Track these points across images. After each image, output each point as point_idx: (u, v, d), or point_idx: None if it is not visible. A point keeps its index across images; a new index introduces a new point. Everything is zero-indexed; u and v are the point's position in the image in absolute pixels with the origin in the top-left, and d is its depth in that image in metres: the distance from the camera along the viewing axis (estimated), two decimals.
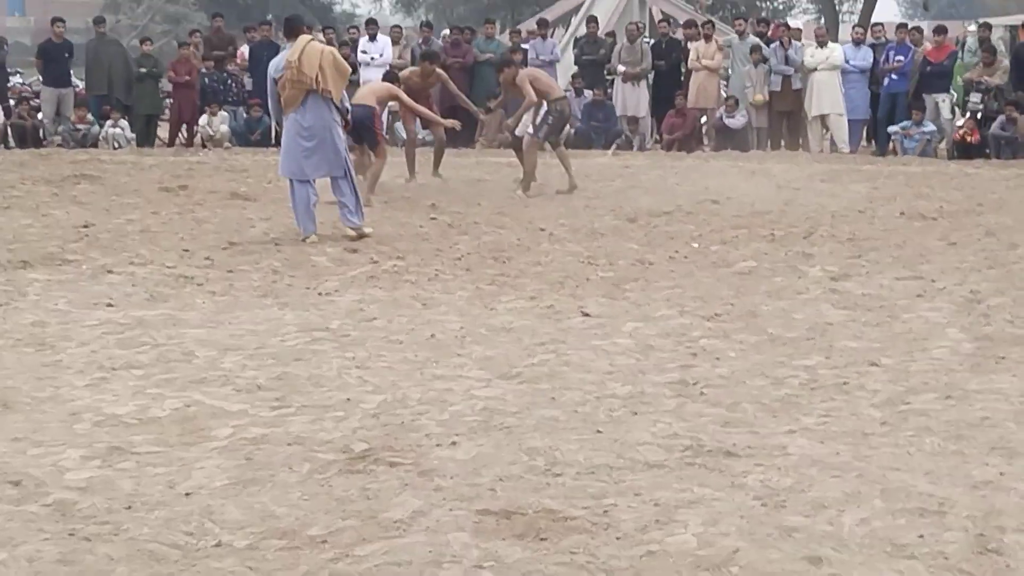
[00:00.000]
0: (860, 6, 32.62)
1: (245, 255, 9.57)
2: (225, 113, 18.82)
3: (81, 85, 20.48)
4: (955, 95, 18.21)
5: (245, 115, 19.03)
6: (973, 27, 21.20)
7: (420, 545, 3.51)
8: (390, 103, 13.97)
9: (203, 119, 18.83)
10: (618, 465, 4.37)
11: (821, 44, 18.60)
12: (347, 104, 11.01)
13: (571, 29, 24.30)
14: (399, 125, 15.97)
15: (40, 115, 19.03)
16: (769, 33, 19.14)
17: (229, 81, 19.28)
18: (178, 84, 19.05)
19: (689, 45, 18.75)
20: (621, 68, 18.80)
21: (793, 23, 27.21)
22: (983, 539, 3.45)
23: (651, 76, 19.05)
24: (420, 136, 15.21)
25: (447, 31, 21.66)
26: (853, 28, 22.35)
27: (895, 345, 6.51)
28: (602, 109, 18.88)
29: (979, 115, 17.32)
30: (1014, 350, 6.28)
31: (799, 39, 19.37)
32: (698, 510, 3.84)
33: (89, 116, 18.68)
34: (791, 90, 18.29)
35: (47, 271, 8.93)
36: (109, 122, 18.42)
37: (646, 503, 3.95)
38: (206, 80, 19.15)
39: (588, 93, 18.86)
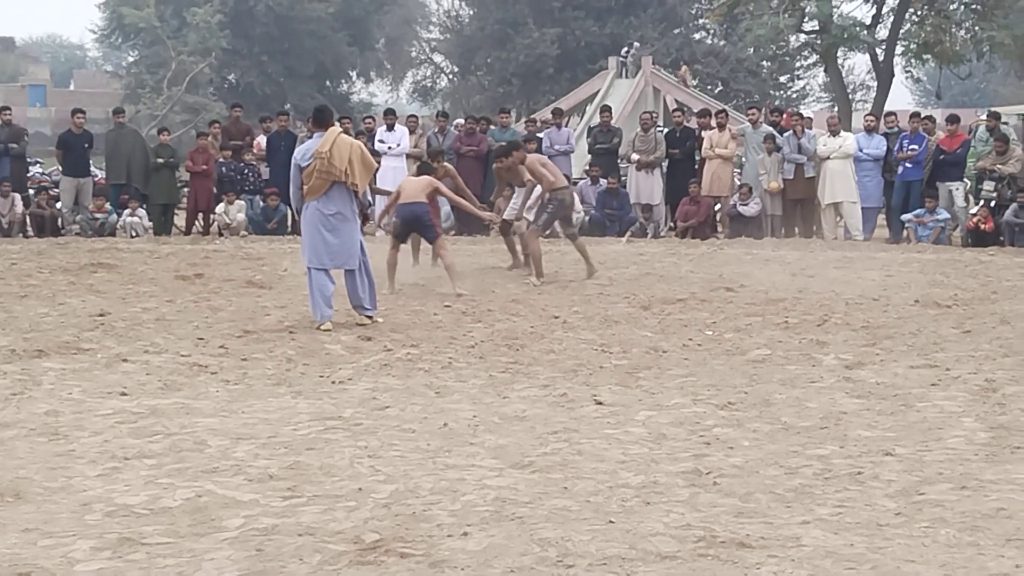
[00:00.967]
0: (874, 95, 31.46)
1: (259, 343, 8.86)
2: (242, 202, 17.66)
3: (100, 174, 19.44)
4: (968, 183, 17.38)
5: (262, 204, 17.70)
6: (984, 115, 20.12)
7: None
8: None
9: (220, 207, 17.54)
10: (631, 556, 3.99)
11: (834, 133, 17.46)
12: (369, 198, 10.68)
13: (585, 118, 24.29)
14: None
15: (59, 204, 18.18)
16: (782, 122, 18.19)
17: (246, 170, 18.18)
18: (195, 173, 17.94)
19: (703, 134, 17.68)
20: (635, 156, 17.95)
21: (806, 112, 27.23)
22: None
23: (665, 164, 17.85)
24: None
25: (461, 120, 21.55)
26: (865, 116, 20.46)
27: (909, 434, 5.92)
28: (616, 197, 17.83)
29: (992, 203, 16.12)
30: None
31: (811, 128, 18.69)
32: None
33: (107, 205, 17.67)
34: (804, 178, 17.14)
35: (62, 360, 8.25)
36: (127, 211, 17.45)
37: None
38: (223, 169, 18.06)
39: (603, 181, 17.82)
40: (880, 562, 3.95)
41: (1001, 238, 15.90)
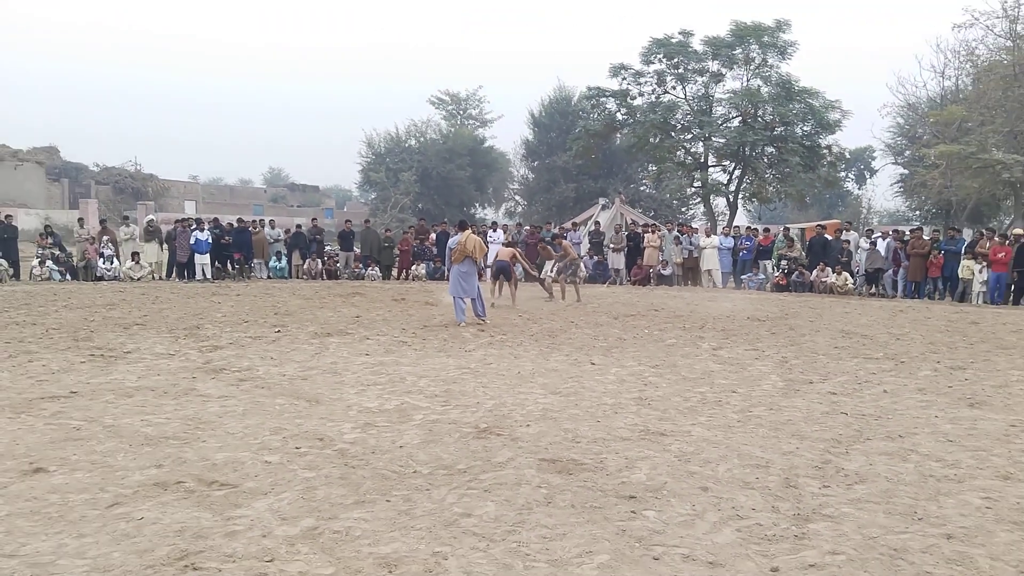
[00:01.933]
0: (727, 217, 34.13)
1: (431, 332, 10.90)
2: (424, 265, 22.66)
3: (358, 251, 23.81)
4: (774, 261, 21.35)
5: (433, 265, 22.48)
6: (781, 228, 25.65)
7: (511, 474, 4.61)
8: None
9: (414, 267, 22.71)
10: (607, 438, 5.40)
11: (708, 235, 23.18)
12: (483, 264, 13.23)
13: (587, 227, 26.64)
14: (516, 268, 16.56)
15: (338, 264, 22.84)
16: (683, 230, 23.13)
17: (426, 249, 23.08)
18: (403, 250, 23.03)
19: (644, 234, 22.55)
20: (612, 246, 22.72)
21: (695, 225, 32.76)
22: (787, 480, 4.59)
23: (626, 249, 22.54)
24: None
25: (528, 227, 25.79)
26: (722, 228, 26.67)
27: (744, 382, 7.57)
28: (601, 265, 22.55)
29: (786, 271, 20.39)
30: (811, 389, 7.47)
31: (696, 232, 23.66)
32: (645, 462, 4.91)
33: (360, 265, 22.95)
34: (693, 257, 21.87)
35: (338, 338, 10.31)
36: (370, 268, 22.67)
37: (621, 457, 5.00)
38: (415, 248, 23.02)
39: (595, 257, 22.78)
40: (729, 445, 5.29)
41: (790, 288, 19.91)
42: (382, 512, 4.11)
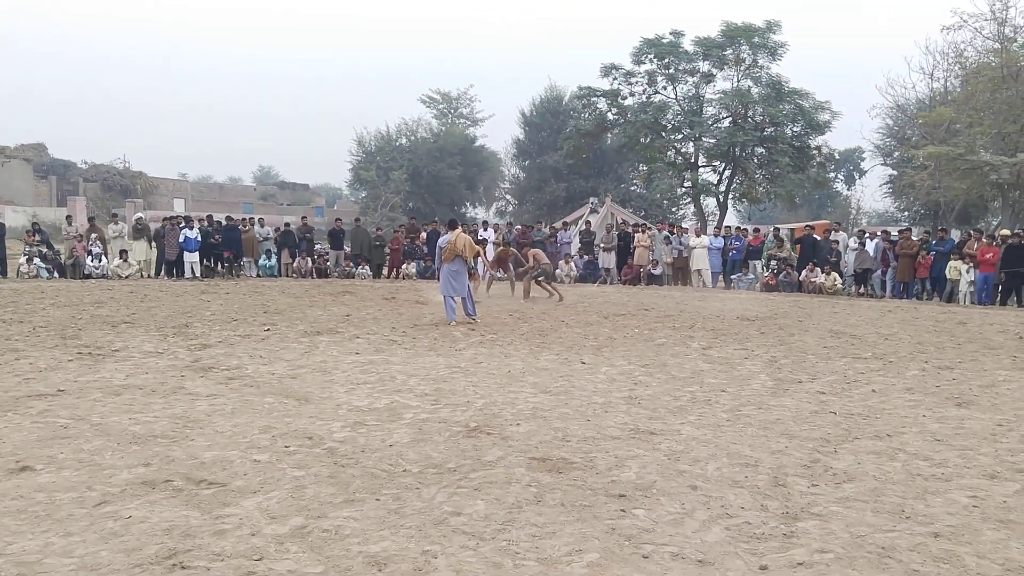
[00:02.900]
0: (717, 217, 34.83)
1: (421, 330, 10.95)
2: (414, 264, 22.48)
3: (348, 249, 23.44)
4: (764, 261, 21.44)
5: (423, 264, 22.19)
6: (771, 228, 24.69)
7: (501, 473, 4.61)
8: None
9: (404, 266, 22.50)
10: (597, 437, 5.44)
11: (698, 235, 22.53)
12: (472, 264, 12.63)
13: (578, 226, 26.60)
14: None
15: (328, 263, 22.82)
16: (674, 230, 23.12)
17: (416, 248, 22.92)
18: (393, 249, 22.87)
19: (634, 234, 22.49)
20: (603, 244, 22.73)
21: (685, 224, 32.42)
22: (775, 478, 4.65)
23: (616, 249, 22.54)
24: (498, 275, 17.89)
25: (519, 226, 25.56)
26: (714, 227, 26.68)
27: (734, 381, 7.60)
28: (592, 264, 22.61)
29: (775, 271, 20.54)
30: (800, 388, 7.47)
31: (687, 232, 23.30)
32: (635, 461, 4.94)
33: (351, 264, 22.93)
34: (683, 257, 21.85)
35: (328, 336, 10.34)
36: (361, 267, 22.68)
37: (610, 456, 5.02)
38: (406, 247, 22.85)
39: (586, 256, 22.84)
40: (719, 443, 5.36)
41: (779, 288, 19.96)
42: (372, 511, 4.11)
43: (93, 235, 21.47)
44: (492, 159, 51.54)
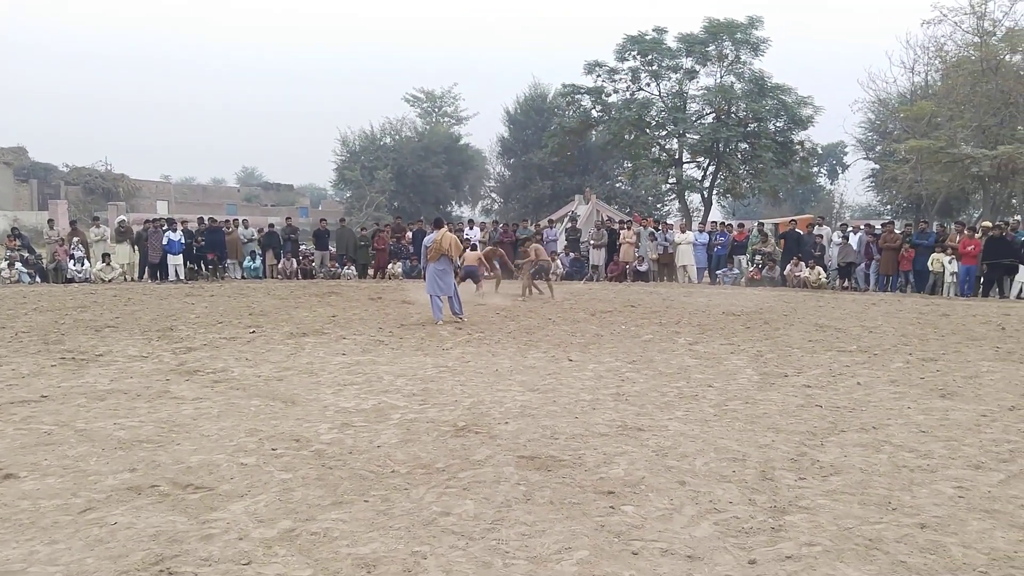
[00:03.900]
0: (702, 213, 35.31)
1: (409, 330, 10.99)
2: (400, 263, 22.53)
3: (334, 249, 23.62)
4: (748, 256, 21.63)
5: (409, 264, 22.30)
6: (755, 223, 25.82)
7: (490, 472, 4.62)
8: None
9: (390, 266, 22.52)
10: (585, 434, 5.47)
11: (683, 231, 22.77)
12: (458, 263, 13.10)
13: (564, 223, 26.85)
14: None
15: (313, 263, 22.75)
16: (658, 225, 23.16)
17: (402, 248, 22.98)
18: (379, 249, 22.68)
19: (620, 231, 22.72)
20: (592, 242, 22.77)
21: (670, 220, 32.13)
22: (763, 472, 4.64)
23: (605, 246, 22.47)
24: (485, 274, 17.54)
25: (502, 225, 25.70)
26: (698, 222, 27.98)
27: (720, 376, 7.68)
28: (578, 262, 22.75)
29: (760, 266, 20.77)
30: (786, 382, 7.52)
31: (672, 228, 23.41)
32: (623, 457, 4.96)
33: (336, 265, 23.06)
34: (668, 253, 22.01)
35: (314, 337, 10.36)
36: (346, 268, 22.79)
37: (599, 453, 5.06)
38: (391, 247, 22.85)
39: (572, 254, 22.96)
40: (706, 439, 5.37)
41: (764, 283, 20.31)
42: (360, 512, 4.09)
43: (75, 239, 21.33)
44: (477, 157, 52.21)
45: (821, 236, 21.27)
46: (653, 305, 15.30)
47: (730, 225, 23.71)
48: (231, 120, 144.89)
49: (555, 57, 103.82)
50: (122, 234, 21.87)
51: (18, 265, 20.29)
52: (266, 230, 23.59)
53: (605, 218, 26.95)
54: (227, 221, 23.76)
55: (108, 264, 20.96)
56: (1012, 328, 12.06)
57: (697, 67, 34.70)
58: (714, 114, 34.29)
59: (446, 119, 54.57)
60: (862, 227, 21.05)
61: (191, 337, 10.58)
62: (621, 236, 22.47)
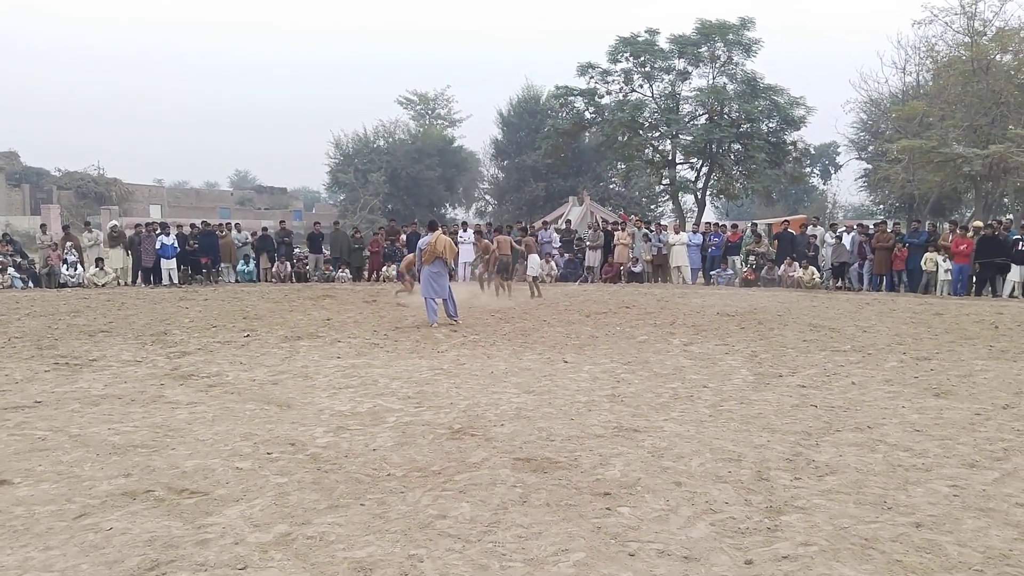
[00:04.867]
0: (696, 214, 36.09)
1: (404, 333, 11.07)
2: (394, 266, 21.78)
3: (327, 252, 23.42)
4: (742, 256, 21.80)
5: None
6: (749, 224, 25.21)
7: (486, 474, 4.64)
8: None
9: (384, 269, 22.68)
10: (581, 436, 5.49)
11: (676, 232, 22.90)
12: (453, 265, 13.68)
13: (559, 224, 27.20)
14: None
15: (307, 267, 22.77)
16: (652, 226, 23.38)
17: (396, 250, 22.85)
18: (373, 252, 22.94)
19: (614, 232, 22.89)
20: (589, 243, 22.81)
21: (664, 222, 31.67)
22: (759, 473, 4.65)
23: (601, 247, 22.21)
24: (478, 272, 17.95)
25: (492, 226, 25.33)
26: (692, 223, 30.10)
27: (715, 377, 7.72)
28: (572, 263, 22.75)
29: (754, 266, 20.92)
30: (781, 382, 7.47)
31: (666, 229, 23.28)
32: (619, 458, 4.99)
33: (331, 267, 22.97)
34: (662, 254, 22.05)
35: (309, 341, 10.41)
36: (341, 271, 22.67)
37: (595, 454, 5.08)
38: (385, 250, 22.94)
39: (567, 255, 22.89)
40: (702, 439, 5.41)
41: (758, 283, 20.37)
42: (356, 516, 4.08)
43: (68, 243, 21.32)
44: (471, 159, 52.27)
45: (815, 236, 21.34)
46: (648, 306, 15.34)
47: (724, 226, 23.83)
48: (224, 124, 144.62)
49: (548, 59, 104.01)
50: (115, 239, 21.85)
51: (10, 270, 20.26)
52: (260, 233, 23.59)
53: (600, 219, 27.20)
54: (220, 225, 23.75)
55: (101, 269, 20.97)
56: (1005, 327, 12.11)
57: (690, 68, 34.84)
58: (707, 115, 34.40)
59: (439, 121, 54.77)
60: (855, 227, 21.13)
61: (185, 341, 10.56)
62: (616, 237, 22.57)
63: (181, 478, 4.73)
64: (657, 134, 35.70)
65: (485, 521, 4.00)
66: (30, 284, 20.42)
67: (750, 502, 4.28)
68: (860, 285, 19.96)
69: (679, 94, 35.19)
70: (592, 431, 5.74)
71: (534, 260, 18.13)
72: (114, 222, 24.57)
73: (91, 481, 4.68)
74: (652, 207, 44.64)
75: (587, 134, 39.56)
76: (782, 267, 20.48)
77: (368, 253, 23.07)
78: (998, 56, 27.85)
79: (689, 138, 34.37)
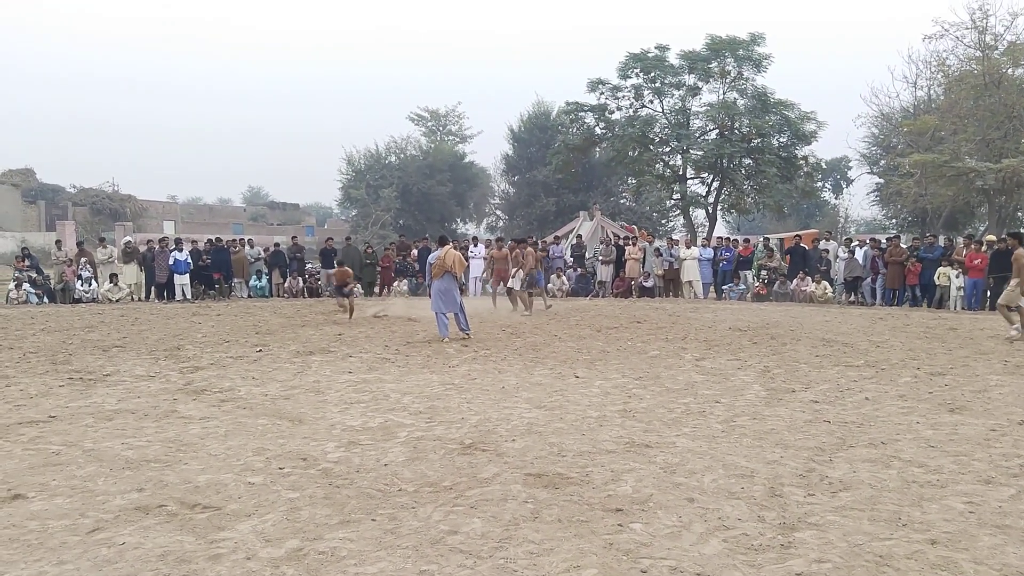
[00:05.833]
0: (707, 229, 36.12)
1: (414, 348, 11.16)
2: (405, 281, 23.06)
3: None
4: (754, 271, 21.78)
5: (415, 282, 22.76)
6: (761, 238, 24.93)
7: (498, 490, 4.63)
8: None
9: (396, 284, 23.00)
10: (593, 451, 5.50)
11: (688, 246, 22.87)
12: (463, 279, 14.07)
13: (569, 240, 27.60)
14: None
15: (319, 282, 22.83)
16: (664, 240, 24.62)
17: (407, 266, 23.47)
18: (384, 267, 23.16)
19: (625, 247, 23.12)
20: (601, 258, 23.02)
21: (676, 236, 31.39)
22: (772, 489, 4.69)
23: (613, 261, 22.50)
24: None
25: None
26: (703, 238, 29.17)
27: (727, 392, 7.73)
28: (583, 278, 23.05)
29: (766, 281, 21.02)
30: (793, 397, 7.54)
31: (678, 243, 23.36)
32: (631, 474, 4.99)
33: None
34: (674, 268, 22.19)
35: (321, 356, 10.51)
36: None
37: (606, 470, 5.08)
38: (397, 265, 23.33)
39: (579, 270, 23.10)
40: (714, 455, 5.38)
41: (771, 298, 20.36)
42: (368, 531, 4.07)
43: (83, 259, 21.54)
44: (481, 175, 52.53)
45: (827, 251, 21.33)
46: (659, 321, 15.32)
47: (735, 240, 23.83)
48: (237, 140, 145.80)
49: (558, 75, 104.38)
50: (128, 254, 22.06)
51: (26, 286, 20.49)
52: (272, 249, 24.01)
53: (611, 234, 27.13)
54: (233, 240, 23.97)
55: (115, 284, 21.16)
56: (1020, 342, 12.02)
57: (700, 84, 34.87)
58: (717, 130, 34.42)
59: (450, 137, 55.11)
60: (868, 241, 21.07)
61: (198, 356, 10.62)
62: (627, 252, 22.68)
63: (194, 493, 4.75)
64: (668, 149, 35.76)
65: (496, 537, 3.98)
66: (45, 299, 20.62)
67: (763, 518, 4.25)
68: (873, 300, 19.96)
69: (689, 109, 35.22)
70: (604, 446, 5.73)
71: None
72: (128, 238, 24.67)
73: (105, 496, 4.71)
74: (663, 222, 44.93)
75: (597, 149, 39.62)
76: (794, 282, 20.54)
77: (380, 268, 23.21)
78: (1010, 70, 27.79)
79: (700, 153, 34.38)
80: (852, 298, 20.01)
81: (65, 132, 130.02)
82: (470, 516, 4.29)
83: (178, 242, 22.06)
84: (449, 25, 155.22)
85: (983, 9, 28.20)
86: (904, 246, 19.89)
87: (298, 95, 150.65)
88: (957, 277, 18.26)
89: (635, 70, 34.86)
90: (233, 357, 10.50)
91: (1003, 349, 11.29)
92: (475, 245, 23.55)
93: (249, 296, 22.25)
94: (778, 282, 20.58)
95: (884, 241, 20.64)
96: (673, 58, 34.77)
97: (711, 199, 36.00)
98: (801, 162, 34.04)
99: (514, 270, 16.41)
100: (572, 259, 23.95)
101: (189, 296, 21.17)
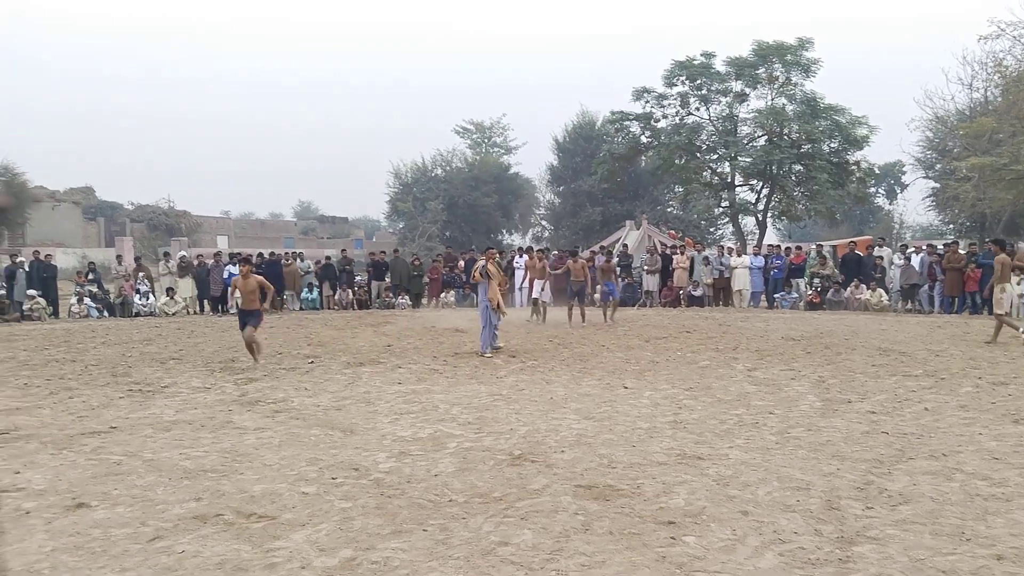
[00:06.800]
0: (757, 236, 35.41)
1: (462, 359, 11.31)
2: (453, 292, 23.17)
3: (388, 279, 23.71)
4: (807, 279, 21.40)
5: (462, 292, 22.80)
6: (814, 245, 24.72)
7: (548, 501, 4.66)
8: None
9: (443, 295, 23.10)
10: (643, 463, 5.47)
11: (738, 254, 22.88)
12: (497, 291, 12.47)
13: (616, 249, 26.58)
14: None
15: (368, 294, 23.34)
16: (714, 248, 24.23)
17: (455, 277, 23.48)
18: (432, 278, 23.37)
19: (673, 255, 23.02)
20: (647, 267, 22.98)
21: (726, 244, 31.36)
22: (829, 502, 4.59)
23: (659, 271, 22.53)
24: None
25: (556, 251, 25.22)
26: (753, 246, 28.23)
27: (781, 403, 7.68)
28: (631, 287, 22.80)
29: (819, 288, 20.59)
30: (850, 408, 7.47)
31: (731, 251, 23.43)
32: (683, 486, 4.95)
33: (391, 295, 23.07)
34: (724, 277, 22.13)
35: (371, 367, 10.59)
36: (400, 297, 22.93)
37: (657, 482, 5.04)
38: (444, 276, 23.44)
39: (626, 280, 22.65)
40: (769, 467, 5.33)
41: (824, 306, 20.08)
42: (419, 542, 4.09)
43: (140, 274, 22.19)
44: (527, 186, 52.64)
45: (881, 258, 21.17)
46: (709, 330, 15.19)
47: (788, 248, 23.57)
48: (287, 156, 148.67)
49: (603, 85, 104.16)
50: (184, 269, 22.62)
51: (87, 300, 21.08)
52: (323, 262, 24.26)
53: (657, 243, 27.19)
54: (285, 254, 24.41)
55: (172, 298, 21.71)
56: None
57: (747, 90, 34.38)
58: (766, 136, 33.85)
59: (495, 149, 55.21)
60: (924, 248, 20.78)
61: (252, 368, 10.83)
62: (675, 260, 22.59)
63: (249, 502, 4.82)
64: (715, 156, 35.25)
65: (547, 548, 3.96)
66: (105, 313, 21.23)
67: (820, 532, 4.17)
68: (931, 307, 19.56)
69: (737, 116, 34.73)
70: (654, 458, 5.70)
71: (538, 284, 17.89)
72: (183, 252, 25.30)
73: (164, 505, 4.81)
74: (711, 230, 44.27)
75: (643, 158, 39.16)
76: (848, 289, 20.24)
77: (427, 280, 23.40)
78: None
79: (748, 160, 33.69)
80: (909, 306, 19.65)
81: (122, 150, 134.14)
82: (520, 527, 4.27)
83: (233, 256, 22.35)
84: (495, 35, 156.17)
85: None
86: (962, 252, 19.39)
87: (349, 110, 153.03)
88: (1019, 284, 17.63)
89: (681, 78, 34.47)
90: (286, 369, 10.67)
91: None
92: (520, 256, 23.57)
93: (300, 308, 22.57)
94: (831, 290, 20.21)
95: (941, 247, 20.25)
96: (719, 65, 34.23)
97: (760, 206, 35.37)
98: (853, 167, 33.17)
99: (541, 282, 16.73)
100: (619, 268, 23.37)
101: None
